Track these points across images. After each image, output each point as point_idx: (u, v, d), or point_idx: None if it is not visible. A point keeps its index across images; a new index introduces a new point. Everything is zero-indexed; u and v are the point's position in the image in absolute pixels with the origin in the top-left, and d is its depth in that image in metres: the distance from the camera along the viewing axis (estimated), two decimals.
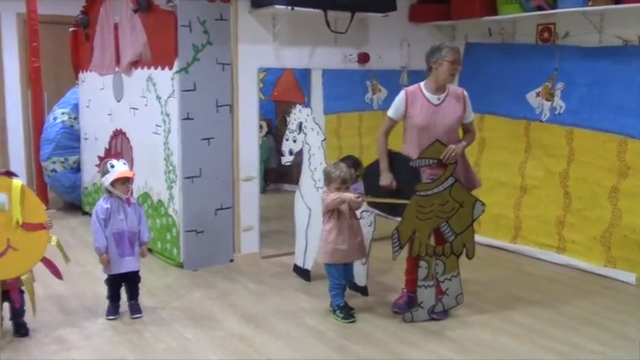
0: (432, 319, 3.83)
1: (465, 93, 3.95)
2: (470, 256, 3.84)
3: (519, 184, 5.35)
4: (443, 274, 3.82)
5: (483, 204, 3.81)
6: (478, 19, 5.41)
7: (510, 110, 5.42)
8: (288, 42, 5.07)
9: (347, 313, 3.86)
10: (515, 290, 4.43)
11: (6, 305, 3.55)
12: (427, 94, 3.87)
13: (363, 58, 5.43)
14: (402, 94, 3.92)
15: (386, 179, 3.86)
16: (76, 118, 6.69)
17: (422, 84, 3.92)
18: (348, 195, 3.79)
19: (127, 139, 5.55)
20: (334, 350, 3.48)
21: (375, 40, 5.49)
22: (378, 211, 4.12)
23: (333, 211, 3.85)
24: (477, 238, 5.32)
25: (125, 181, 3.85)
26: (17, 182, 3.47)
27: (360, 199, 3.81)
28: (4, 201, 3.41)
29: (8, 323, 3.62)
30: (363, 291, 4.26)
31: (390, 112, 3.94)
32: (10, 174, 3.51)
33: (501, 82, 5.46)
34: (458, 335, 3.65)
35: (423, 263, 3.77)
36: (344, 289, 3.96)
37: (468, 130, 4.01)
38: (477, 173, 5.42)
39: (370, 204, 4.00)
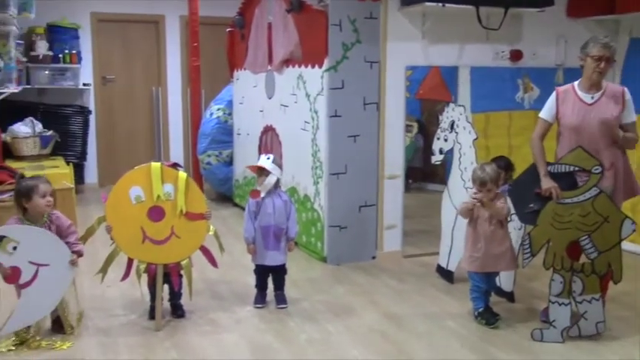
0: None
1: (626, 91, 3.66)
2: (616, 280, 3.51)
3: None
4: (581, 295, 3.50)
5: (634, 222, 3.46)
6: None
7: None
8: (437, 39, 4.99)
9: (489, 317, 3.75)
10: None
11: (165, 287, 3.81)
12: (580, 92, 3.67)
13: (516, 55, 5.23)
14: (553, 93, 3.76)
15: (547, 184, 3.56)
16: (230, 114, 7.02)
17: (576, 82, 3.73)
18: (471, 201, 3.71)
19: (277, 134, 5.77)
20: (476, 354, 3.41)
21: (529, 36, 5.26)
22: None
23: (470, 217, 3.76)
24: (636, 247, 5.01)
25: (260, 174, 3.99)
26: (182, 174, 3.71)
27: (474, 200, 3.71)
28: (170, 191, 3.66)
29: (166, 304, 3.89)
30: (510, 297, 4.12)
31: (542, 114, 3.79)
32: (176, 166, 3.77)
33: None
34: (609, 350, 3.42)
35: (557, 277, 3.51)
36: (485, 294, 3.83)
37: (626, 131, 3.68)
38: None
39: (521, 218, 3.81)
